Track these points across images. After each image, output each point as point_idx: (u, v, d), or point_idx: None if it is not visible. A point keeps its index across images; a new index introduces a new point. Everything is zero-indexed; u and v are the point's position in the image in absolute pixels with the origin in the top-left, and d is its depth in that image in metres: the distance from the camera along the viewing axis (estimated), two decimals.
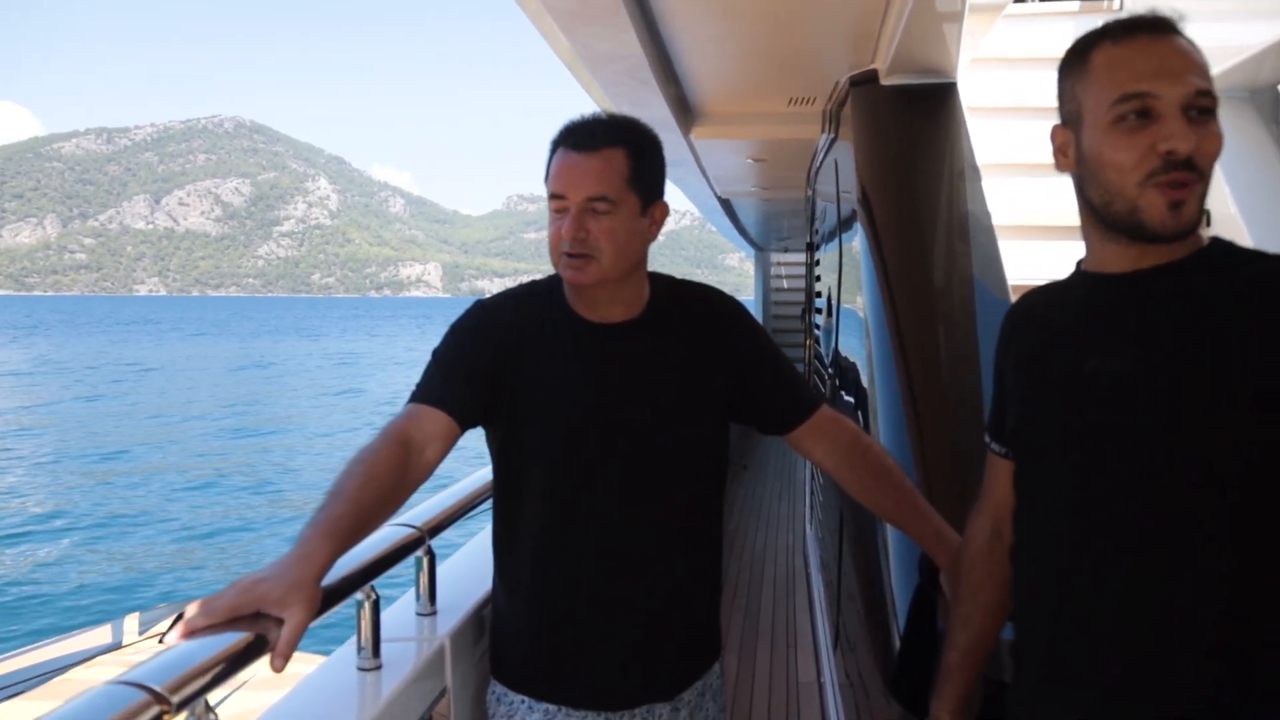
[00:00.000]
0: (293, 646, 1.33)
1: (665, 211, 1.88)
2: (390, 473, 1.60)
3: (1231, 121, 3.98)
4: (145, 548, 15.52)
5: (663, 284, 1.94)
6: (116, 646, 6.08)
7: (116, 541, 15.85)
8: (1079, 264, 1.45)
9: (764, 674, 5.15)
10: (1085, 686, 1.31)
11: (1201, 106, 1.26)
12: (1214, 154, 1.27)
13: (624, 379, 1.83)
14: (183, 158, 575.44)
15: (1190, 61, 1.27)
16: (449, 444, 1.73)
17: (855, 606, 3.07)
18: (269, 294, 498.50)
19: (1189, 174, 1.25)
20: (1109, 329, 1.35)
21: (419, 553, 2.11)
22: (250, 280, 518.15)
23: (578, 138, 1.77)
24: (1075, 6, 5.32)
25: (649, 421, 1.83)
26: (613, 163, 1.76)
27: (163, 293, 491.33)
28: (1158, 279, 1.32)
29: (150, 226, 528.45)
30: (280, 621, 1.33)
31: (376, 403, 36.14)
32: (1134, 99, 1.27)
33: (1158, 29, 1.30)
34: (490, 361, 1.78)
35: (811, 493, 6.34)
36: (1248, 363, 1.22)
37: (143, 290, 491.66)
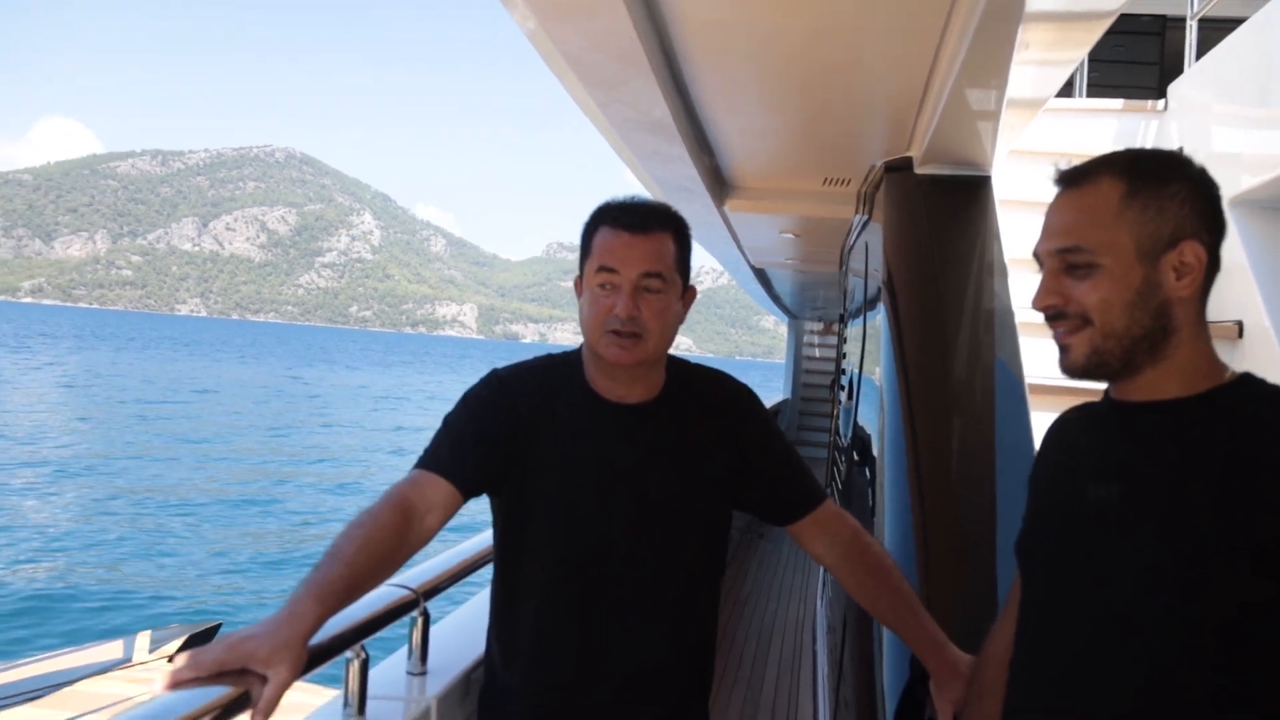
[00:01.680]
0: (274, 705, 1.36)
1: (694, 296, 1.94)
2: (388, 538, 1.63)
3: (1270, 231, 3.97)
4: (168, 567, 15.57)
5: (678, 367, 1.98)
6: (126, 662, 6.14)
7: (139, 559, 15.91)
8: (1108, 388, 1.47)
9: None
10: None
11: (1071, 263, 1.33)
12: (1090, 304, 1.32)
13: (635, 460, 1.86)
14: (232, 184, 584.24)
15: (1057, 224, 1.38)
16: (450, 513, 1.75)
17: (850, 697, 3.04)
18: (306, 322, 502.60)
19: (1064, 322, 1.34)
20: (1107, 457, 1.37)
21: (414, 614, 2.12)
22: (289, 308, 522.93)
23: (630, 219, 1.82)
24: (1119, 105, 5.35)
25: (655, 504, 1.85)
26: (664, 245, 1.83)
27: (203, 314, 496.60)
28: (1156, 412, 1.33)
29: (196, 248, 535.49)
30: (265, 679, 1.36)
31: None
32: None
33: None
34: (501, 433, 1.81)
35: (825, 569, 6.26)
36: (1244, 513, 1.20)
37: (184, 310, 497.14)
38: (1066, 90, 6.80)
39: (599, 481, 1.83)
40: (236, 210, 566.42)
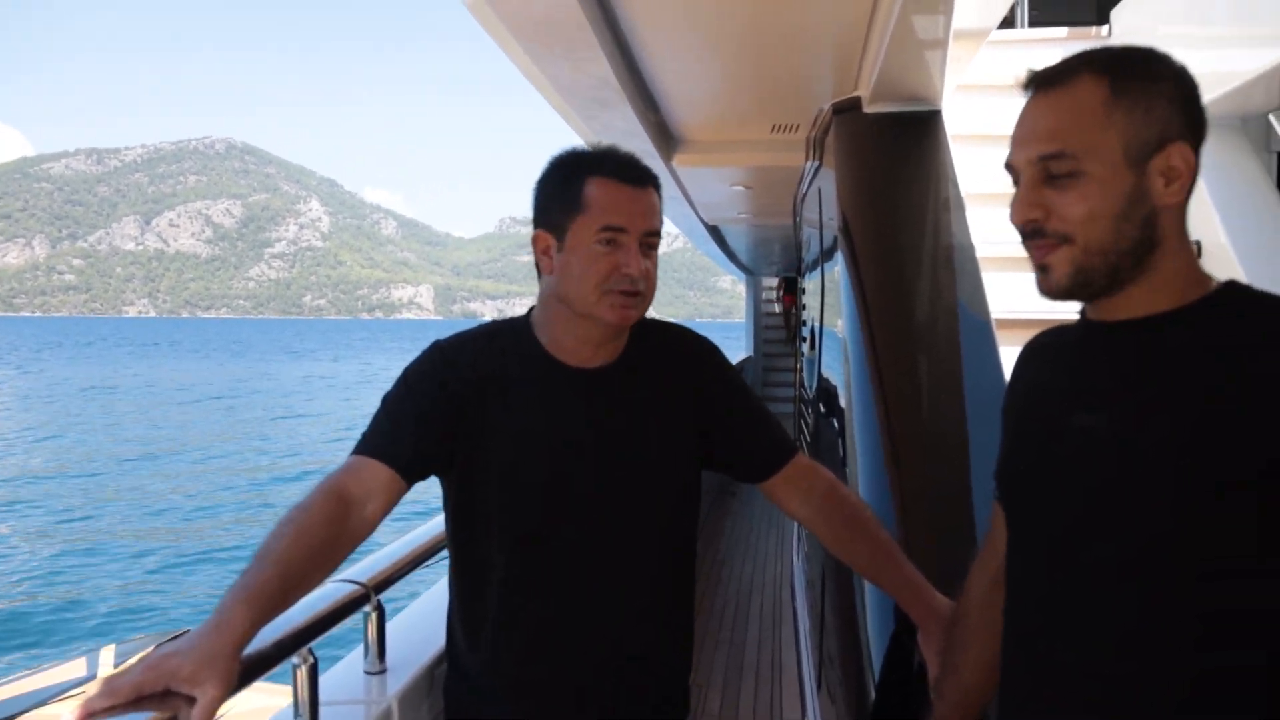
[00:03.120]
0: None
1: None
2: (323, 529, 1.51)
3: (1222, 149, 3.92)
4: (114, 578, 15.30)
5: (636, 326, 1.84)
6: (91, 679, 5.94)
7: (91, 570, 15.64)
8: (1083, 307, 1.36)
9: (748, 712, 5.05)
10: None
11: (1053, 172, 1.22)
12: (1075, 218, 1.21)
13: (596, 426, 1.75)
14: (173, 179, 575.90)
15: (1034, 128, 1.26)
16: (393, 498, 1.63)
17: (835, 651, 2.97)
18: (260, 315, 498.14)
19: (1044, 239, 1.23)
20: (1093, 382, 1.28)
21: (366, 608, 2.00)
22: (241, 302, 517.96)
23: (630, 171, 1.70)
24: (1063, 33, 5.28)
25: (620, 470, 1.75)
26: (656, 200, 1.73)
27: (152, 314, 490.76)
28: (1143, 329, 1.23)
29: (140, 248, 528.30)
30: (192, 700, 1.23)
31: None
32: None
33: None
34: (443, 408, 1.68)
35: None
36: (1254, 430, 1.11)
37: (132, 311, 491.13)
38: (1009, 25, 6.75)
39: (560, 450, 1.72)
40: (179, 206, 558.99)
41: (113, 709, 1.20)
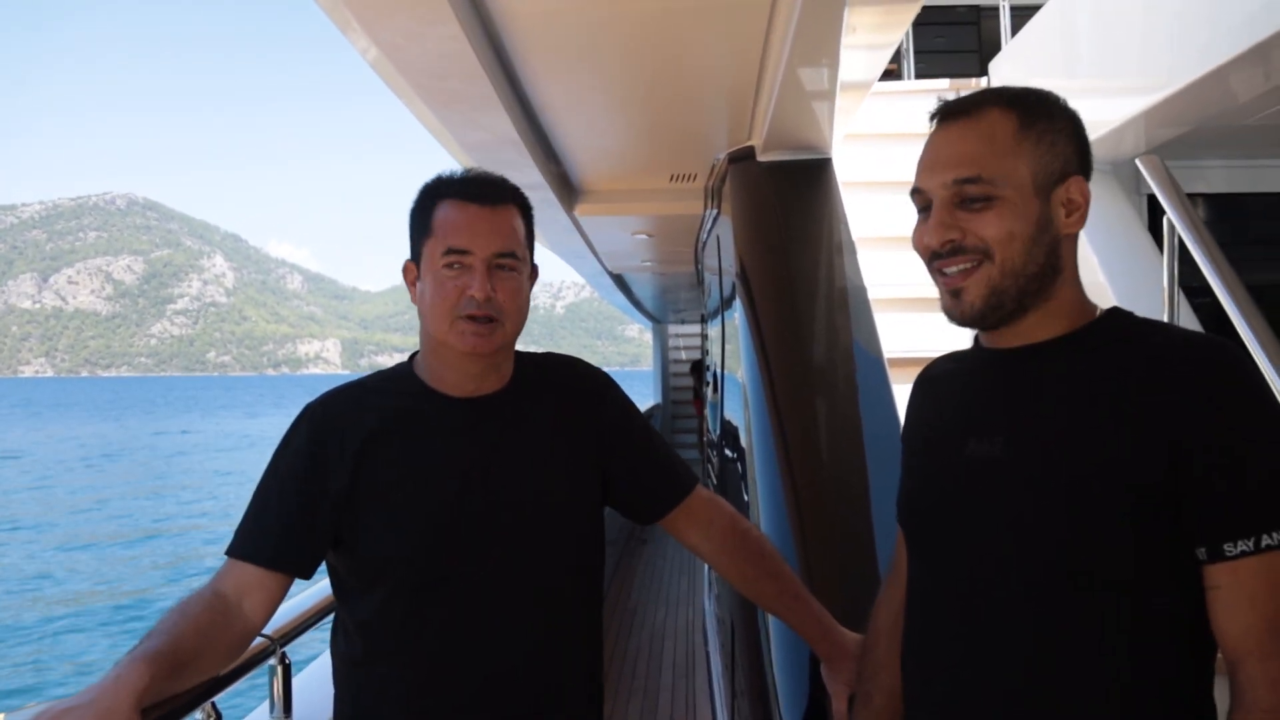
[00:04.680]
0: None
1: (537, 275, 1.78)
2: (206, 614, 1.50)
3: (1097, 192, 4.10)
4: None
5: (526, 357, 1.81)
6: None
7: None
8: (977, 335, 1.41)
9: None
10: None
11: (968, 196, 1.26)
12: (992, 237, 1.25)
13: (490, 457, 1.67)
14: (72, 235, 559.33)
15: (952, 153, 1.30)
16: (272, 593, 1.60)
17: (744, 693, 2.99)
18: (162, 373, 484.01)
19: (962, 257, 1.27)
20: (987, 410, 1.32)
21: (271, 661, 1.96)
22: (143, 359, 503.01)
23: (478, 189, 1.64)
24: (945, 84, 5.51)
25: (520, 504, 1.66)
26: (514, 220, 1.66)
27: (50, 374, 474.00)
28: (1037, 356, 1.29)
29: (37, 305, 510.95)
30: None
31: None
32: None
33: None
34: (312, 484, 1.62)
35: (710, 568, 6.26)
36: (1119, 452, 1.17)
37: (28, 371, 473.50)
38: (896, 77, 7.00)
39: (453, 487, 1.63)
40: (79, 262, 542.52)
41: None
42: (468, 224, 1.61)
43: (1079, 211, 1.28)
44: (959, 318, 1.30)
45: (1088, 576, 1.18)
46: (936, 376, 1.50)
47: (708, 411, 5.52)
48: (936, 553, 1.36)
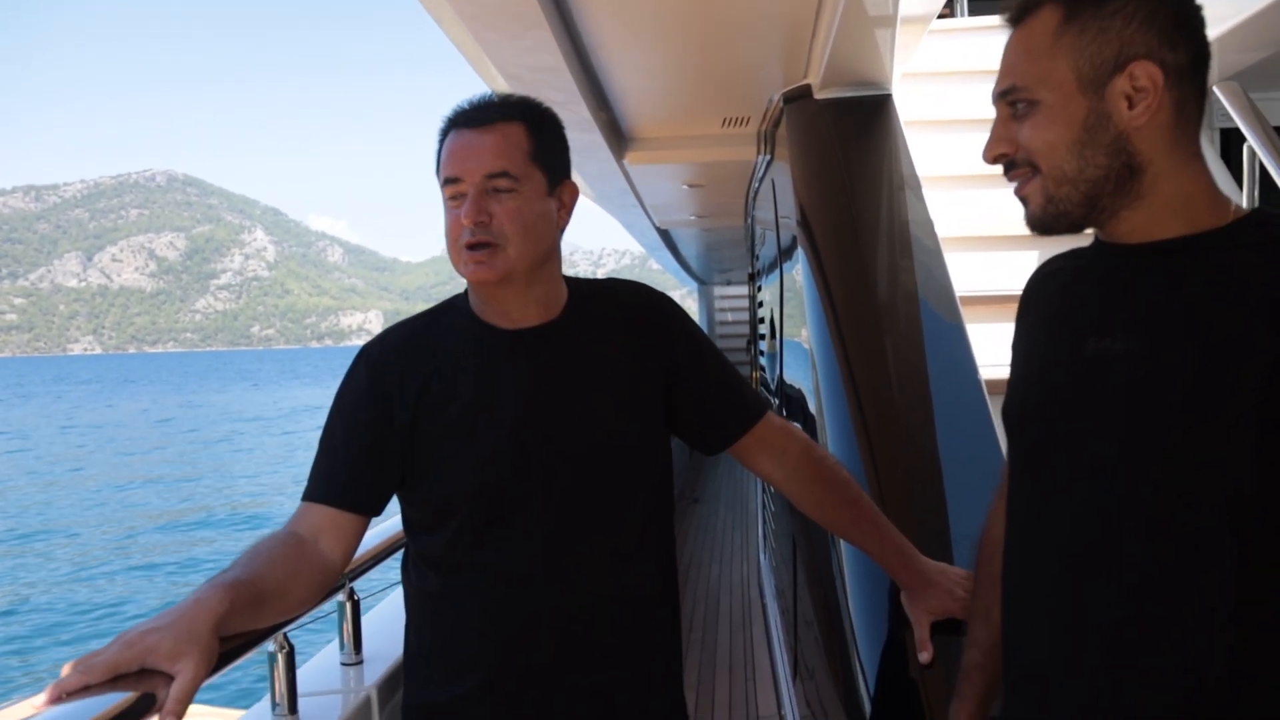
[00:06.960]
0: (184, 705, 1.17)
1: (575, 193, 1.71)
2: (283, 550, 1.50)
3: None
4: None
5: (583, 283, 1.76)
6: None
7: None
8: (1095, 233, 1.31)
9: (723, 708, 5.04)
10: (1068, 694, 1.20)
11: (1014, 104, 1.22)
12: (1034, 148, 1.20)
13: (550, 389, 1.63)
14: (114, 213, 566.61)
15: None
16: (348, 534, 1.60)
17: (813, 634, 2.95)
18: (207, 348, 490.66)
19: (1017, 171, 1.24)
20: (1109, 306, 1.22)
21: (340, 597, 1.95)
22: (188, 335, 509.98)
23: (470, 113, 1.60)
24: (998, 20, 5.35)
25: (585, 436, 1.63)
26: (510, 137, 1.58)
27: (98, 351, 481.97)
28: (1175, 253, 1.18)
29: (83, 284, 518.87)
30: (170, 678, 1.17)
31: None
32: None
33: None
34: (373, 426, 1.61)
35: (764, 521, 6.24)
36: (1267, 354, 1.07)
37: (77, 349, 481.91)
38: (950, 14, 6.83)
39: (512, 421, 1.59)
40: (122, 240, 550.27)
41: (87, 689, 1.14)
42: (458, 151, 1.58)
43: (1146, 100, 1.15)
44: (1029, 225, 1.25)
45: (1207, 482, 1.09)
46: (1051, 274, 1.40)
47: (764, 363, 5.45)
48: (1043, 457, 1.27)
